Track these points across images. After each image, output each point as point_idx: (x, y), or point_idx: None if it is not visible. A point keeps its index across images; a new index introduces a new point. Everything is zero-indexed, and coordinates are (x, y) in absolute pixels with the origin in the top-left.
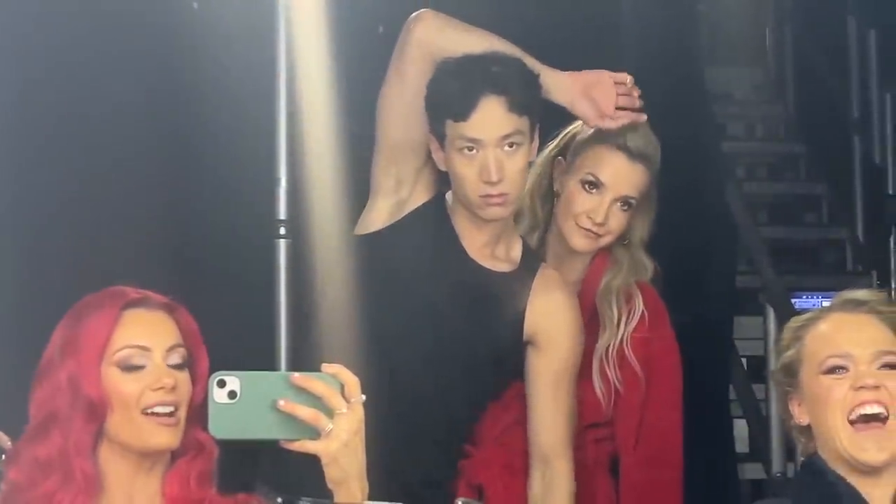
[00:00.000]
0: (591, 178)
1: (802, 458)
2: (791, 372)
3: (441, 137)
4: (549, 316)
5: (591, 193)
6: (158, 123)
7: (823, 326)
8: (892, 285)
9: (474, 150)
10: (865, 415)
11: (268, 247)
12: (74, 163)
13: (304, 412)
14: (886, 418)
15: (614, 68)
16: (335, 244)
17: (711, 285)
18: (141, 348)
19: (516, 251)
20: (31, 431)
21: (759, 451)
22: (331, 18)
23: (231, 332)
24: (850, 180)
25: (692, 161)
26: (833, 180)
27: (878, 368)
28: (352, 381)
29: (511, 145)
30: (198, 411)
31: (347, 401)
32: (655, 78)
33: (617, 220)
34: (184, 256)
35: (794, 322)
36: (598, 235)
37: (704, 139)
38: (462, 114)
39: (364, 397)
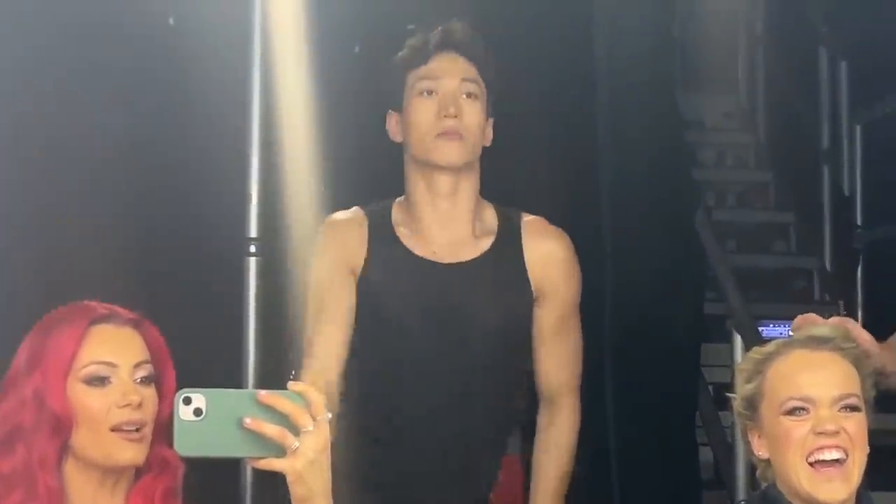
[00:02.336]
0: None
1: (762, 484)
2: (751, 405)
3: (398, 100)
4: (547, 266)
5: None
6: (131, 138)
7: (785, 364)
8: (860, 315)
9: (433, 94)
10: (825, 460)
11: (238, 264)
12: (45, 176)
13: (271, 430)
14: (845, 461)
15: (587, 94)
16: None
17: (679, 312)
18: (107, 364)
19: (491, 218)
20: None
21: (724, 478)
22: (307, 37)
23: (200, 349)
24: (818, 210)
25: (663, 187)
26: (802, 210)
27: (839, 410)
28: (318, 399)
29: (469, 95)
30: (164, 428)
31: (314, 419)
32: (628, 104)
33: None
34: (154, 273)
35: (756, 353)
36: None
37: (675, 165)
38: (423, 60)
39: (330, 415)
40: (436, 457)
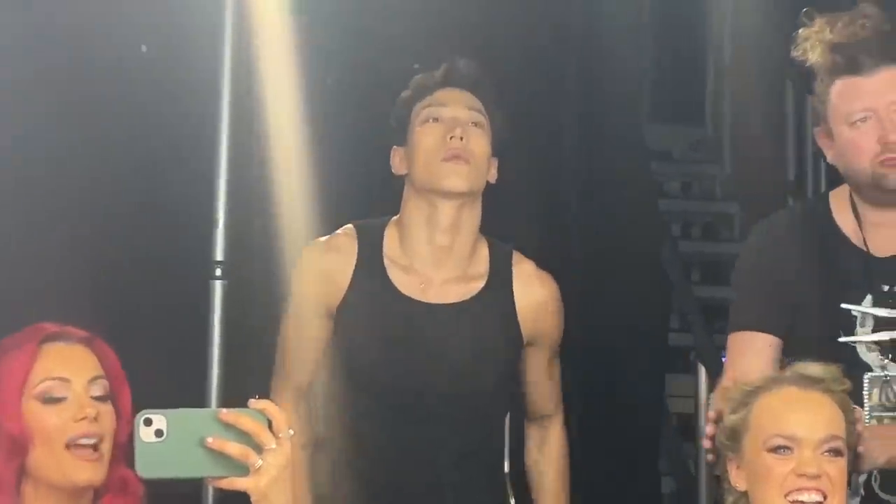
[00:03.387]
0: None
1: None
2: (734, 436)
3: (403, 137)
4: (538, 314)
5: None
6: (97, 160)
7: (774, 400)
8: None
9: (439, 120)
10: (803, 501)
11: (204, 287)
12: (11, 201)
13: (233, 449)
14: (824, 501)
15: (556, 123)
16: (273, 286)
17: (644, 342)
18: (61, 380)
19: (484, 258)
20: None
21: None
22: (277, 67)
23: (165, 372)
24: None
25: (629, 217)
26: None
27: (823, 453)
28: (280, 416)
29: (476, 124)
30: (122, 448)
31: (276, 436)
32: (595, 134)
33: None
34: (119, 296)
35: (745, 385)
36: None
37: (642, 196)
38: (428, 93)
39: (292, 432)
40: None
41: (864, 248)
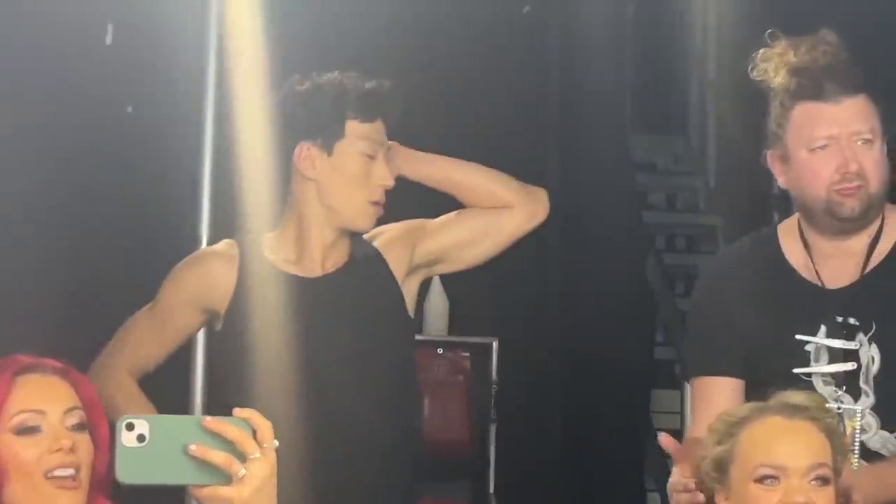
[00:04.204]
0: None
1: None
2: (721, 468)
3: (330, 140)
4: (395, 240)
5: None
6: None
7: (759, 430)
8: None
9: (374, 157)
10: None
11: None
12: None
13: (216, 457)
14: None
15: (538, 134)
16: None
17: (628, 356)
18: (36, 412)
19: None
20: None
21: None
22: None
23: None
24: None
25: (613, 229)
26: None
27: (811, 482)
28: (264, 425)
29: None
30: (100, 478)
31: (260, 445)
32: (579, 146)
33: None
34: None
35: (729, 416)
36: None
37: (626, 208)
38: (369, 116)
39: (277, 442)
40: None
41: (816, 281)
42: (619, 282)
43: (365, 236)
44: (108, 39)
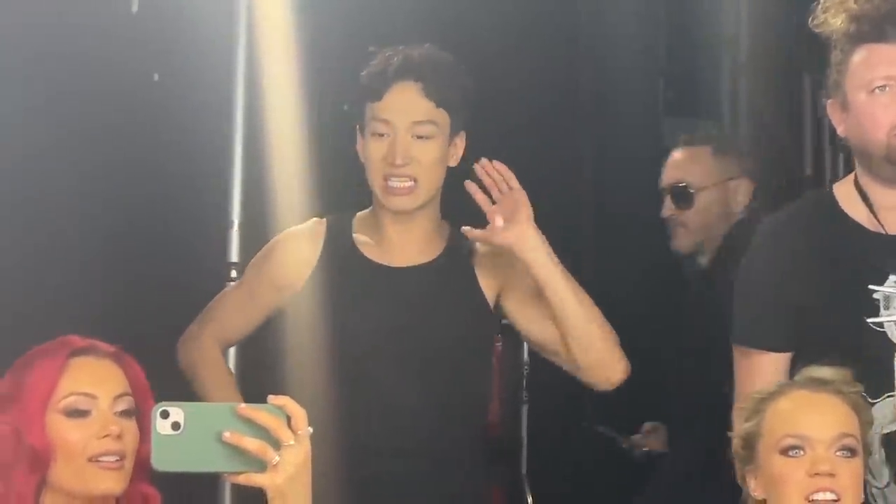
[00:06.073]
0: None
1: None
2: (749, 445)
3: (363, 125)
4: (502, 262)
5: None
6: (112, 171)
7: (785, 403)
8: None
9: (384, 135)
10: (818, 500)
11: (219, 288)
12: (34, 218)
13: (251, 444)
14: (838, 500)
15: (573, 122)
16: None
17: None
18: (87, 395)
19: (447, 230)
20: None
21: None
22: (292, 90)
23: (178, 376)
24: None
25: (646, 215)
26: None
27: (836, 453)
28: (299, 412)
29: (422, 137)
30: (144, 464)
31: (294, 433)
32: (612, 131)
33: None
34: (134, 300)
35: (757, 394)
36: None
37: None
38: (377, 94)
39: (311, 429)
40: (397, 449)
41: (882, 231)
42: (652, 266)
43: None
44: (135, 7)
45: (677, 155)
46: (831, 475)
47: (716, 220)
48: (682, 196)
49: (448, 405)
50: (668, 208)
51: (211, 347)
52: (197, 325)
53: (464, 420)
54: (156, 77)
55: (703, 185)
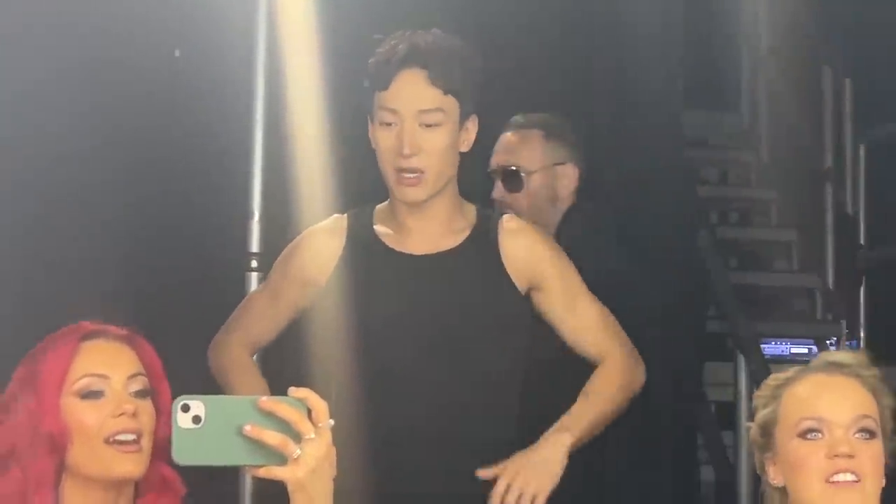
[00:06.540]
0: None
1: None
2: (766, 431)
3: (372, 113)
4: (530, 262)
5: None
6: (131, 156)
7: (801, 387)
8: (862, 335)
9: (392, 124)
10: (839, 482)
11: (239, 280)
12: (46, 200)
13: (271, 437)
14: (859, 483)
15: (590, 111)
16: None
17: (681, 329)
18: (100, 376)
19: (471, 215)
20: None
21: (724, 498)
22: (306, 64)
23: (201, 366)
24: (821, 229)
25: (666, 204)
26: (804, 228)
27: (854, 435)
28: (320, 405)
29: (430, 125)
30: (163, 445)
31: (315, 425)
32: (631, 121)
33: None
34: (154, 289)
35: (773, 380)
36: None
37: (678, 183)
38: (383, 83)
39: (332, 422)
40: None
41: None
42: (671, 256)
43: (506, 228)
44: None
45: (509, 138)
46: (851, 456)
47: (544, 203)
48: (513, 179)
49: (478, 392)
50: (498, 191)
51: (240, 352)
52: (224, 331)
53: (493, 407)
54: (177, 53)
55: (533, 168)
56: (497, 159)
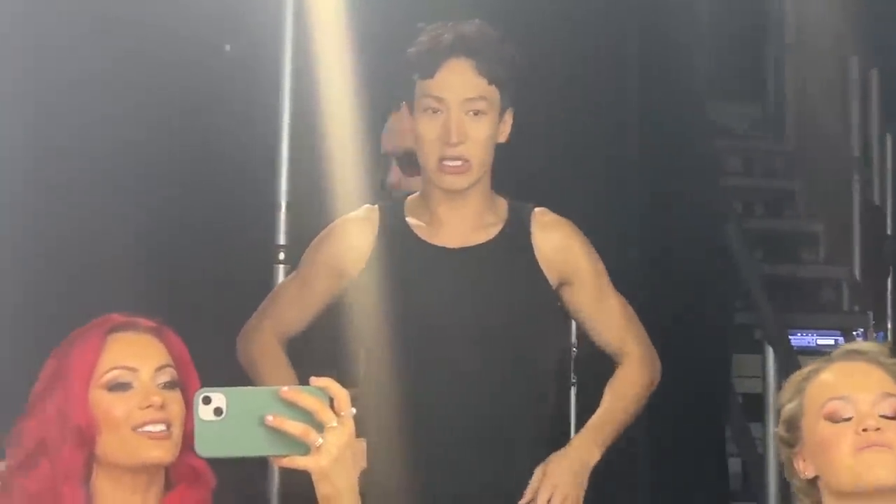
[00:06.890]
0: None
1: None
2: (793, 425)
3: (411, 101)
4: (559, 256)
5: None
6: (159, 148)
7: (824, 375)
8: (889, 326)
9: (438, 112)
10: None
11: (267, 272)
12: (78, 194)
13: (293, 427)
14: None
15: (617, 103)
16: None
17: (709, 321)
18: (128, 369)
19: (502, 209)
20: (21, 463)
21: (753, 490)
22: (347, 46)
23: (229, 358)
24: (848, 219)
25: (693, 195)
26: (831, 219)
27: (880, 416)
28: (341, 393)
29: (476, 113)
30: (191, 437)
31: (337, 414)
32: (658, 111)
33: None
34: (182, 282)
35: (797, 376)
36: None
37: (705, 173)
38: (429, 71)
39: (354, 410)
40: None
41: None
42: (698, 247)
43: (539, 222)
44: None
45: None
46: (879, 430)
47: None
48: (410, 162)
49: (511, 383)
50: (395, 175)
51: (270, 340)
52: (255, 320)
53: (527, 398)
54: (227, 48)
55: None
56: (393, 143)
